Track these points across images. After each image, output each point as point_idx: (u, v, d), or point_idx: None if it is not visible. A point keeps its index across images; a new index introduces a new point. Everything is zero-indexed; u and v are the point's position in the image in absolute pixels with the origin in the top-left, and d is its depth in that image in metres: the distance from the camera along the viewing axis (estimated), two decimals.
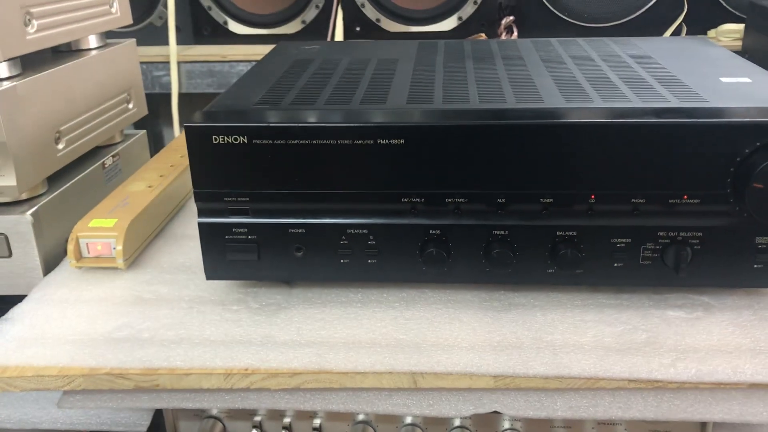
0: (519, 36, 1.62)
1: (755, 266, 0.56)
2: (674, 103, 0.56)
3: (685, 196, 0.54)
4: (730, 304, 0.59)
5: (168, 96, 1.64)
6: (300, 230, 0.58)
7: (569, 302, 0.60)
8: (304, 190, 0.57)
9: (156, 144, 1.95)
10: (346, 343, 0.55)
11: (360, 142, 0.55)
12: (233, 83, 0.67)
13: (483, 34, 1.61)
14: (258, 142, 0.55)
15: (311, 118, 0.56)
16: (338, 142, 0.55)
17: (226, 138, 0.56)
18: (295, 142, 0.55)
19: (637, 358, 0.52)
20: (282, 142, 0.55)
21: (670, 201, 0.54)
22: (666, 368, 0.51)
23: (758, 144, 0.52)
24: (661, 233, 0.56)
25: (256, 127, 0.55)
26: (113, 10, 0.82)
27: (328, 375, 0.53)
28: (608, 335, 0.55)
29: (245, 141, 0.55)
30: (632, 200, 0.55)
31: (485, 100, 0.59)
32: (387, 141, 0.55)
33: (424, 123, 0.54)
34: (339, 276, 0.59)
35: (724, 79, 0.62)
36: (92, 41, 0.80)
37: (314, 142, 0.55)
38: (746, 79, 0.62)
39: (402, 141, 0.55)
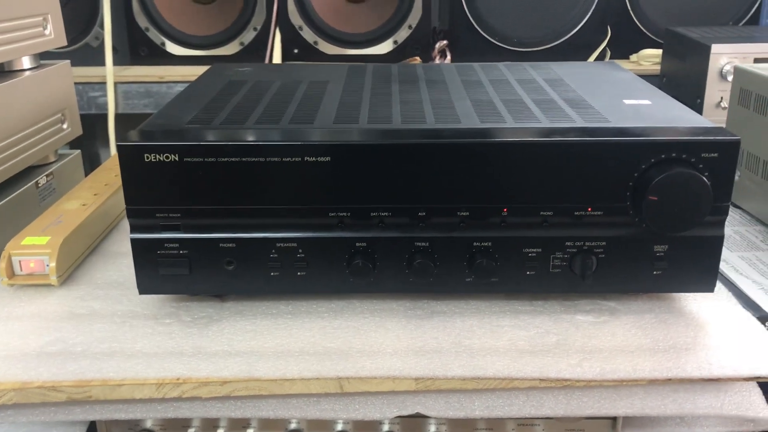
0: (452, 59, 1.68)
1: (654, 272, 0.61)
2: (579, 123, 0.61)
3: (589, 209, 0.59)
4: (634, 309, 0.63)
5: (104, 116, 1.64)
6: (230, 245, 0.60)
7: (487, 309, 0.63)
8: (235, 205, 0.59)
9: (92, 164, 1.94)
10: (276, 353, 0.58)
11: (288, 159, 0.58)
12: (167, 103, 0.69)
13: (418, 58, 1.66)
14: (189, 160, 0.58)
15: (241, 137, 0.58)
16: (267, 159, 0.58)
17: (158, 156, 0.58)
18: (226, 159, 0.58)
19: (547, 359, 0.56)
20: (212, 159, 0.58)
21: (575, 213, 0.59)
22: (573, 368, 0.55)
23: (653, 160, 0.57)
24: (568, 243, 0.60)
25: (188, 146, 0.57)
26: (47, 32, 0.83)
27: (257, 382, 0.55)
28: (522, 339, 0.59)
29: (177, 159, 0.58)
30: (541, 213, 0.59)
31: (407, 120, 0.62)
32: (314, 158, 0.58)
33: (348, 142, 0.58)
34: (269, 288, 0.62)
35: (627, 101, 0.67)
36: (25, 62, 0.81)
37: (244, 159, 0.58)
38: (647, 101, 0.67)
39: (328, 158, 0.58)
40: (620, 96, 0.69)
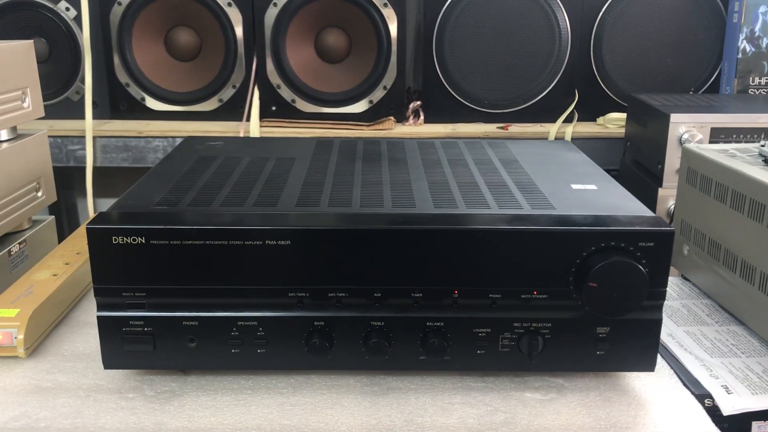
0: (425, 119, 1.74)
1: (598, 353, 0.64)
2: (527, 209, 0.64)
3: (535, 292, 0.62)
4: (581, 386, 0.66)
5: (82, 169, 1.66)
6: (193, 323, 0.63)
7: (441, 385, 0.66)
8: (198, 285, 0.62)
9: (69, 216, 1.96)
10: (234, 429, 0.60)
11: (250, 243, 0.61)
12: (138, 181, 0.73)
13: (392, 117, 1.71)
14: (155, 242, 0.61)
15: (205, 222, 0.61)
16: (230, 242, 0.61)
17: (125, 239, 0.60)
18: (190, 242, 0.61)
19: None
20: (177, 242, 0.61)
21: (522, 296, 0.62)
22: None
23: (593, 248, 0.61)
24: (516, 324, 0.63)
25: (153, 229, 0.60)
26: (25, 105, 0.86)
27: None
28: (471, 416, 0.62)
29: (143, 241, 0.61)
30: (490, 295, 0.62)
31: (365, 204, 0.66)
32: (275, 242, 0.61)
33: (307, 227, 0.61)
34: (230, 365, 0.64)
35: (574, 186, 0.71)
36: (2, 134, 0.84)
37: (207, 242, 0.61)
38: (593, 187, 0.72)
39: (288, 242, 0.61)
40: (568, 180, 0.73)
